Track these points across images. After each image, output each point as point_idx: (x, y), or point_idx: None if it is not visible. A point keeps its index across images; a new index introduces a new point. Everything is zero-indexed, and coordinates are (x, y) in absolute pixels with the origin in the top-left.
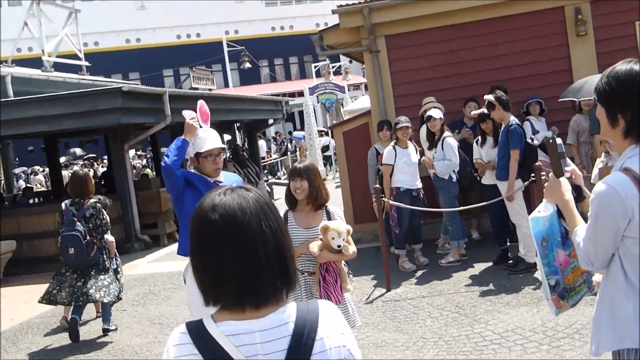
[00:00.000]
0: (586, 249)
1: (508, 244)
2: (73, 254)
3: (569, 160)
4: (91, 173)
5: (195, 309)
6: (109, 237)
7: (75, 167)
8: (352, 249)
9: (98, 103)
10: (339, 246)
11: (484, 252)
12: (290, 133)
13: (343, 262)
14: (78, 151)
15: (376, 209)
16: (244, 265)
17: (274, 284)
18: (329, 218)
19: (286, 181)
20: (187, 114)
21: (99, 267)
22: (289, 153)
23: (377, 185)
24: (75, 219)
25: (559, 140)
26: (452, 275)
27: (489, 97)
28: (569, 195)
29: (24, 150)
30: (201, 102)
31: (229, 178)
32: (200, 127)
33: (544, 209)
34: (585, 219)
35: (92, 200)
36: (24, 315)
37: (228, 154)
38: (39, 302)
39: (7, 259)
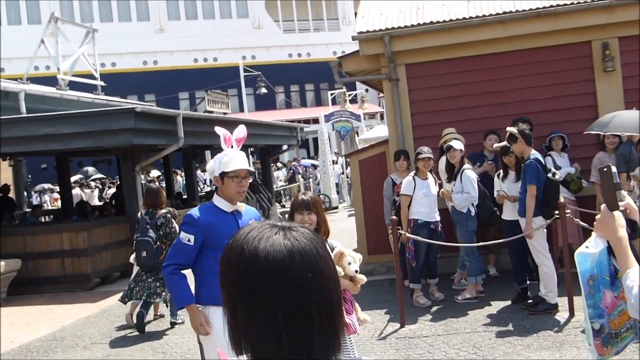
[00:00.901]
0: None
1: (528, 282)
2: (145, 257)
3: (624, 192)
4: (95, 194)
5: (211, 345)
6: None
7: (150, 182)
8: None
9: (110, 123)
10: (356, 271)
11: (502, 289)
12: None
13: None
14: (91, 170)
15: (392, 240)
16: (293, 326)
17: (324, 347)
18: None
19: None
20: (220, 130)
21: None
22: (302, 180)
23: (394, 217)
24: (148, 227)
25: (614, 169)
26: (469, 313)
27: (511, 129)
28: (623, 231)
29: (37, 168)
30: (242, 128)
31: (248, 212)
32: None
33: (594, 245)
34: (638, 259)
35: (163, 211)
36: (24, 338)
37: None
38: (119, 300)
39: (10, 278)
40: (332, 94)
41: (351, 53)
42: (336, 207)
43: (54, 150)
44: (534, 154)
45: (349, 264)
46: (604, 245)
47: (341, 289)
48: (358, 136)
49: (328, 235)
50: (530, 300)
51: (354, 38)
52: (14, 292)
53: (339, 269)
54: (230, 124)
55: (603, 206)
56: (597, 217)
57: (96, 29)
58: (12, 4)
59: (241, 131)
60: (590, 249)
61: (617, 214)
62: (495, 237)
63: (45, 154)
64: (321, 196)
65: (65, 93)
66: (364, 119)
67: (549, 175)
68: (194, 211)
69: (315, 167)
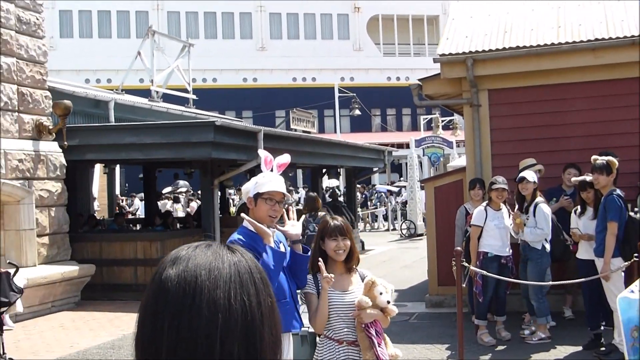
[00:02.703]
0: None
1: (602, 328)
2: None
3: None
4: (179, 206)
5: None
6: None
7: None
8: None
9: (190, 135)
10: (388, 302)
11: (575, 333)
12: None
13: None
14: (184, 183)
15: (455, 273)
16: (189, 347)
17: None
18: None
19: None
20: (262, 153)
21: None
22: (388, 204)
23: (459, 248)
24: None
25: None
26: (535, 357)
27: (610, 158)
28: None
29: (135, 178)
30: (287, 156)
31: (277, 235)
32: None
33: None
34: None
35: (322, 213)
36: (85, 344)
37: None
38: None
39: (84, 282)
40: (425, 119)
41: (433, 76)
42: (421, 235)
43: (137, 160)
44: (617, 189)
45: (380, 293)
46: None
47: (274, 322)
48: (449, 163)
49: (358, 262)
50: (603, 348)
51: (435, 60)
52: (87, 297)
53: (367, 299)
54: (313, 143)
55: None
56: None
57: (192, 43)
58: (122, 18)
59: (284, 157)
60: (636, 294)
61: None
62: (573, 274)
63: (129, 163)
64: (406, 222)
65: (155, 104)
66: (457, 145)
67: (631, 213)
68: (235, 237)
69: (391, 192)
